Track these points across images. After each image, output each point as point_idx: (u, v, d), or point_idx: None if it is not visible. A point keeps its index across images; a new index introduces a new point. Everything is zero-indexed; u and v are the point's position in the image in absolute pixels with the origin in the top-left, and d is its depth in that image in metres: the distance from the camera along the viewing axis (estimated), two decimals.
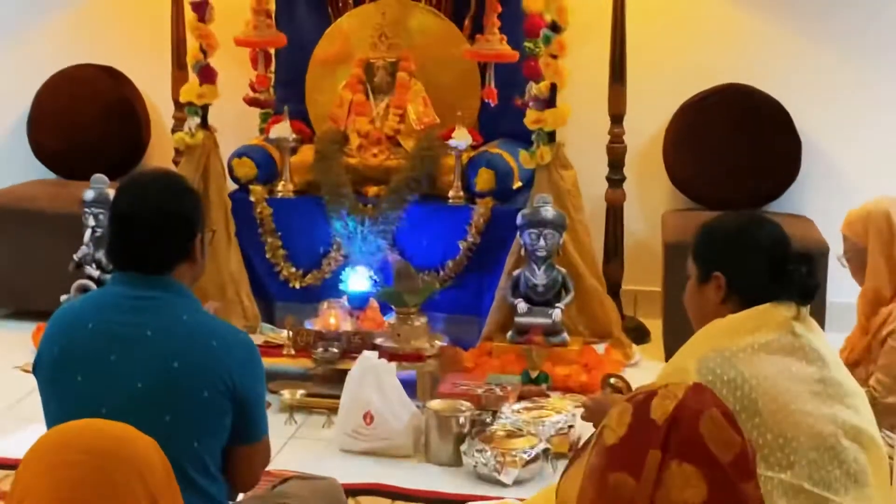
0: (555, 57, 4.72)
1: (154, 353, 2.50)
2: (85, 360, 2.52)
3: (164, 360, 2.49)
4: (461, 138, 4.83)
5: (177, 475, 2.45)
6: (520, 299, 4.64)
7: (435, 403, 3.92)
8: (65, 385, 2.54)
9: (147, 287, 2.56)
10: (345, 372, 4.03)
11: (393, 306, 4.51)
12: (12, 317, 5.22)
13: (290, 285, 4.95)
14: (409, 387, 4.32)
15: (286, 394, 4.22)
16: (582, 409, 2.98)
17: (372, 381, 3.88)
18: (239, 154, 5.02)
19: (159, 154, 5.68)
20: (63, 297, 4.57)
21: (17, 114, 5.78)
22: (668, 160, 5.27)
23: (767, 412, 2.47)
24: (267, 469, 3.61)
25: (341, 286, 4.85)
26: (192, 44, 5.05)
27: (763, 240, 2.65)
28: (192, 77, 5.04)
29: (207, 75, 4.99)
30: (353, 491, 3.56)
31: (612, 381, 3.06)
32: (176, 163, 5.21)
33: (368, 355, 3.93)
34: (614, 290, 5.10)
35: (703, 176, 5.18)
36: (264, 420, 2.67)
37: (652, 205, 5.36)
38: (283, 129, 4.98)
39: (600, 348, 4.73)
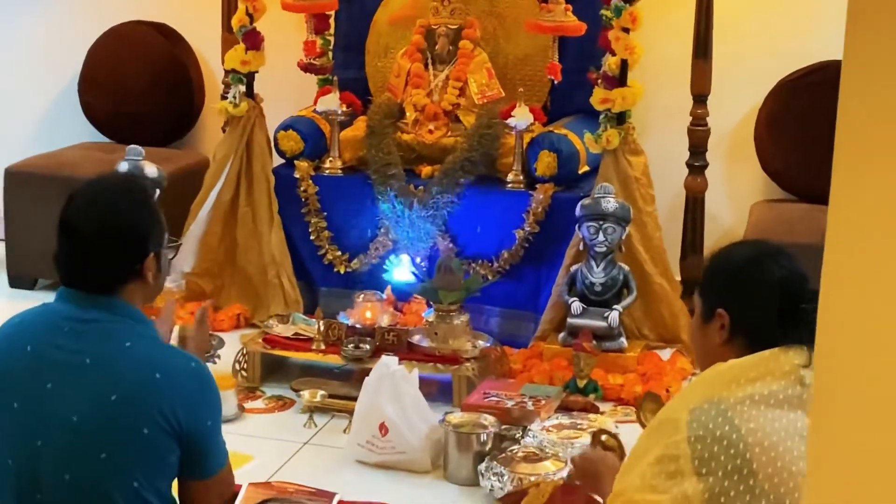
0: (626, 31, 4.54)
1: (91, 384, 2.44)
2: (22, 387, 2.48)
3: (102, 391, 2.43)
4: (521, 117, 4.69)
5: None
6: (575, 298, 4.50)
7: (455, 417, 3.82)
8: (3, 409, 2.50)
9: (90, 307, 2.50)
10: None
11: (430, 302, 4.42)
12: (51, 287, 5.24)
13: (335, 270, 4.89)
14: (447, 391, 4.26)
15: (306, 394, 4.17)
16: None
17: (388, 389, 3.80)
18: (285, 126, 4.96)
19: (212, 122, 5.64)
20: None
21: (69, 73, 5.82)
22: (760, 145, 5.05)
23: (764, 475, 2.33)
24: (269, 481, 3.64)
25: (385, 275, 4.78)
26: (239, 6, 4.98)
27: (773, 274, 2.49)
28: (239, 42, 4.98)
29: (253, 41, 4.94)
30: None
31: (604, 438, 2.98)
32: (225, 132, 5.16)
33: (387, 361, 3.85)
34: (692, 287, 4.89)
35: (799, 164, 4.94)
36: (218, 453, 2.59)
37: (739, 195, 5.16)
38: (330, 101, 4.91)
39: (665, 354, 4.57)
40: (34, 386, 2.46)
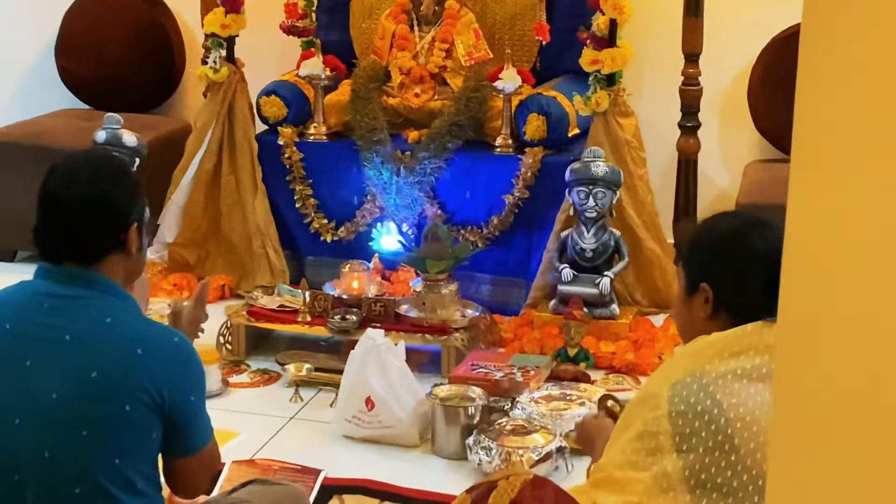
0: None
1: (71, 361, 2.46)
2: (1, 365, 2.50)
3: (82, 368, 2.45)
4: (509, 79, 4.68)
5: (97, 494, 2.46)
6: (565, 265, 4.51)
7: (442, 391, 3.84)
8: None
9: (70, 283, 2.52)
10: None
11: (417, 272, 4.44)
12: (31, 260, 5.26)
13: (322, 238, 4.91)
14: (437, 361, 4.28)
15: (292, 368, 4.19)
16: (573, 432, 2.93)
17: (374, 362, 3.81)
18: (267, 92, 4.96)
19: (193, 87, 5.64)
20: None
21: (45, 38, 5.82)
22: (754, 104, 5.05)
23: (746, 450, 2.37)
24: (253, 459, 3.67)
25: (372, 244, 4.80)
26: None
27: (757, 247, 2.49)
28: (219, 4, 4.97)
29: (233, 3, 4.92)
30: (339, 488, 3.52)
31: (609, 404, 2.99)
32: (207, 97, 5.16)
33: (372, 334, 3.86)
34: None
35: (792, 122, 4.91)
36: (203, 430, 2.62)
37: (734, 155, 5.17)
38: (313, 65, 4.89)
39: (658, 320, 4.59)
40: (13, 363, 2.48)
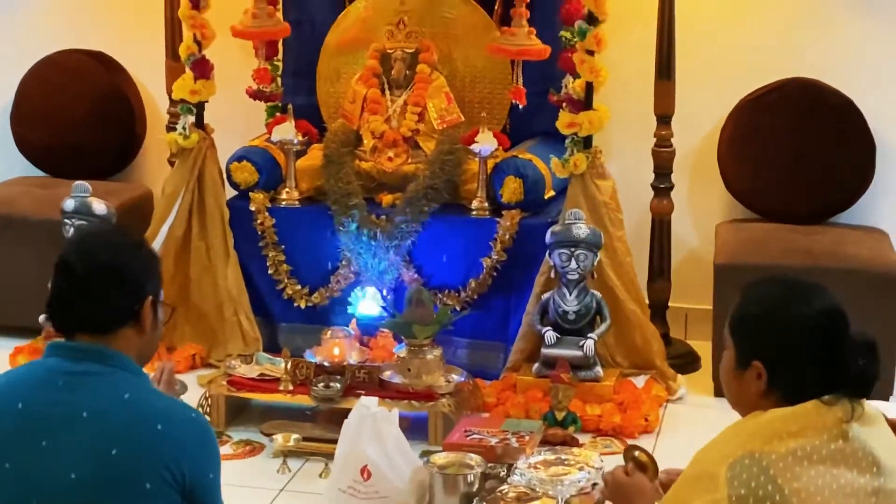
0: (591, 53, 4.63)
1: (90, 439, 2.45)
2: (14, 446, 2.48)
3: (102, 446, 2.44)
4: (485, 142, 4.78)
5: None
6: (548, 328, 4.59)
7: (440, 458, 3.88)
8: None
9: (83, 358, 2.53)
10: (347, 412, 3.99)
11: (402, 337, 4.49)
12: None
13: (295, 304, 4.96)
14: (422, 428, 4.33)
15: (279, 438, 4.22)
16: (601, 484, 2.93)
17: (369, 431, 3.84)
18: (238, 157, 5.02)
19: (156, 153, 5.68)
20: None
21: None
22: (723, 165, 5.18)
23: None
24: None
25: (350, 309, 4.85)
26: (185, 33, 5.02)
27: (806, 319, 2.45)
28: (187, 70, 5.01)
29: (202, 69, 4.97)
30: None
31: (637, 454, 2.97)
32: (172, 163, 5.20)
33: (366, 402, 3.90)
34: (660, 310, 5.07)
35: (762, 183, 5.09)
36: None
37: (705, 215, 5.30)
38: (286, 130, 4.96)
39: (640, 382, 4.69)
40: (27, 445, 2.47)
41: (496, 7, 5.11)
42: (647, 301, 4.97)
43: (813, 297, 2.49)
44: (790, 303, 2.48)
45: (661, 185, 5.00)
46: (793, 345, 2.46)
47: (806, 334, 2.45)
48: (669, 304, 5.13)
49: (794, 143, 5.04)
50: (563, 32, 4.79)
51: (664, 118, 4.94)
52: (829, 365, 2.44)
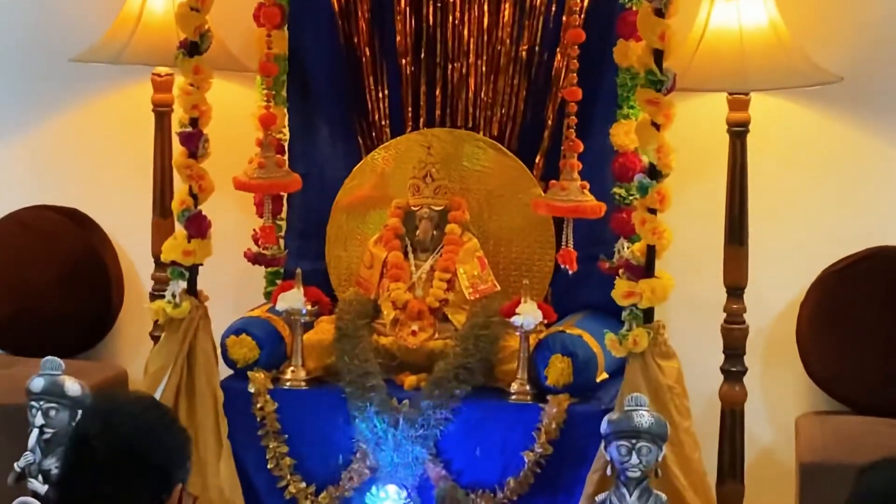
0: (653, 212, 4.29)
1: None
2: None
3: None
4: (528, 314, 4.42)
5: None
6: None
7: None
8: None
9: None
10: None
11: None
12: None
13: None
14: None
15: None
16: None
17: None
18: (236, 330, 4.65)
19: (134, 325, 5.40)
20: None
21: None
22: (804, 346, 4.89)
23: None
24: None
25: None
26: (179, 185, 4.69)
27: None
28: (179, 228, 4.64)
29: (198, 227, 4.57)
30: None
31: None
32: (154, 338, 4.90)
33: None
34: None
35: (851, 368, 4.79)
36: None
37: (782, 406, 4.99)
38: (294, 298, 4.59)
39: None
40: None
41: (537, 159, 4.84)
42: None
43: None
44: None
45: (733, 369, 4.70)
46: None
47: None
48: None
49: (885, 321, 4.76)
50: (616, 189, 4.57)
51: (735, 290, 4.67)
52: None
